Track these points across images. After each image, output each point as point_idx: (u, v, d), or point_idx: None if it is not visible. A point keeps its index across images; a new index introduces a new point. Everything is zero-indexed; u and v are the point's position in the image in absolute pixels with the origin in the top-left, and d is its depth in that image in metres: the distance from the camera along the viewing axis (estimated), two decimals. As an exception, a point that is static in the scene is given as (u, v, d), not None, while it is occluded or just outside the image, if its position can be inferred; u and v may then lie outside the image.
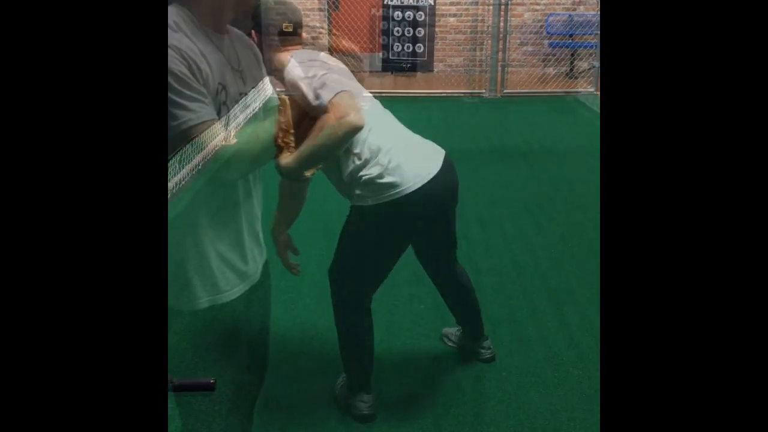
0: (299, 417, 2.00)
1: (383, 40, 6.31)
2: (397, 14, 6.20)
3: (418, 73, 6.37)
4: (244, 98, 1.23)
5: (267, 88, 1.37)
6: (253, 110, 1.27)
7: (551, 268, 2.97)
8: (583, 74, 7.03)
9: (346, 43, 1.24)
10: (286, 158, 1.28)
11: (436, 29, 6.57)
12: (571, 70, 7.21)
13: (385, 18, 6.19)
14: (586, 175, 4.23)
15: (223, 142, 1.12)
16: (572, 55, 7.19)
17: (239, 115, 1.21)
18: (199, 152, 1.08)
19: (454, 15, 7.54)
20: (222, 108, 1.14)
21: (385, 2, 6.19)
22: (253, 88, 1.29)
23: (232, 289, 1.26)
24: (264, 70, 1.38)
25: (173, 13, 1.11)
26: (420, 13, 6.19)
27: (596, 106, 6.19)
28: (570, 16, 7.20)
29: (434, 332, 2.43)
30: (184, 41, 1.07)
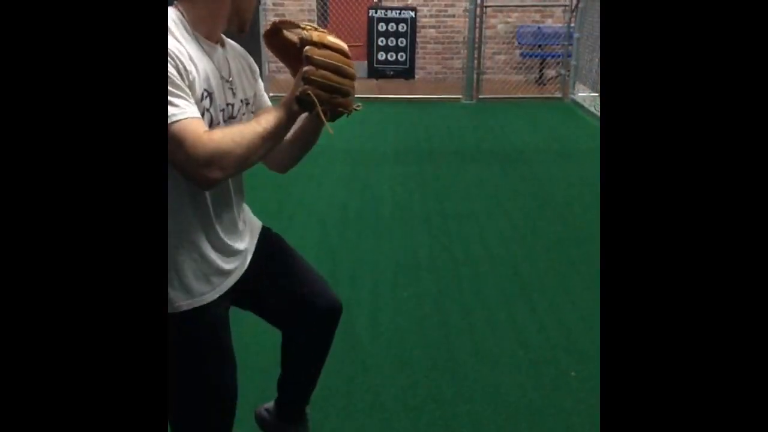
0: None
1: (368, 49, 6.25)
2: (381, 26, 6.12)
3: (401, 80, 6.30)
4: (230, 108, 1.16)
5: (261, 99, 1.29)
6: (240, 119, 1.19)
7: (522, 258, 2.92)
8: (551, 81, 7.03)
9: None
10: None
11: (417, 39, 6.51)
12: (540, 77, 7.21)
13: (370, 29, 6.11)
14: (554, 173, 4.20)
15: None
16: (541, 63, 7.19)
17: (222, 122, 1.14)
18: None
19: (434, 26, 7.53)
20: (205, 114, 1.07)
21: (370, 15, 6.11)
22: (243, 99, 1.21)
23: (211, 291, 1.17)
24: (260, 84, 1.30)
25: None
26: (402, 24, 6.11)
27: (563, 110, 6.17)
28: (539, 28, 7.19)
29: (415, 320, 2.38)
30: (172, 43, 1.02)
